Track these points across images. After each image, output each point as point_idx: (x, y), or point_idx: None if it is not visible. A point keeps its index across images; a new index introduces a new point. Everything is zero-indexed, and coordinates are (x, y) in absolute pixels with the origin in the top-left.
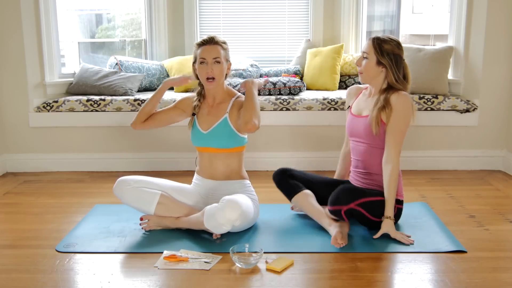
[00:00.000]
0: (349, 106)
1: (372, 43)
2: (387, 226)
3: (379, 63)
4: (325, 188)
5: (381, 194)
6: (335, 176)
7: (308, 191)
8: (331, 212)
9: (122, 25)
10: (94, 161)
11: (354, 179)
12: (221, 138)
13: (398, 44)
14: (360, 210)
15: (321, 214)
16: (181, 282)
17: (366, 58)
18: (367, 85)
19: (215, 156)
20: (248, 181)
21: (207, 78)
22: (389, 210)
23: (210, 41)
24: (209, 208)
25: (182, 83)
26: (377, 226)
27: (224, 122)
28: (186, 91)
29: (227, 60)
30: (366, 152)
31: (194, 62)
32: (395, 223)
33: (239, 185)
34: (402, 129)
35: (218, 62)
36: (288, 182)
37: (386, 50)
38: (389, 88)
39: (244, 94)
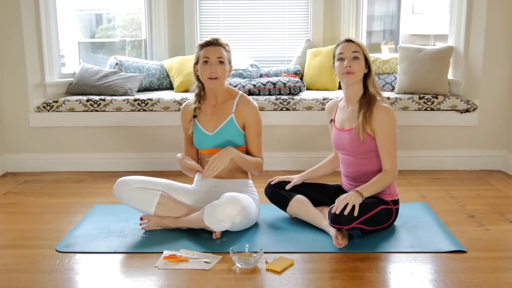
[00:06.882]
0: (332, 119)
1: (355, 42)
2: (353, 197)
3: (366, 61)
4: (318, 193)
5: (380, 202)
6: (311, 169)
7: (300, 196)
8: (332, 227)
9: (122, 25)
10: (94, 161)
11: (347, 187)
12: (228, 138)
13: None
14: (361, 227)
15: (319, 216)
16: (181, 282)
17: (356, 58)
18: (340, 97)
19: None
20: (250, 181)
21: (210, 78)
22: (366, 191)
23: (214, 42)
24: (209, 205)
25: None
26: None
27: (231, 123)
28: (186, 91)
29: (229, 63)
30: (355, 163)
31: (196, 63)
32: (391, 223)
33: (242, 184)
34: (392, 142)
35: (222, 62)
36: (279, 193)
37: (366, 49)
38: (366, 98)
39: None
